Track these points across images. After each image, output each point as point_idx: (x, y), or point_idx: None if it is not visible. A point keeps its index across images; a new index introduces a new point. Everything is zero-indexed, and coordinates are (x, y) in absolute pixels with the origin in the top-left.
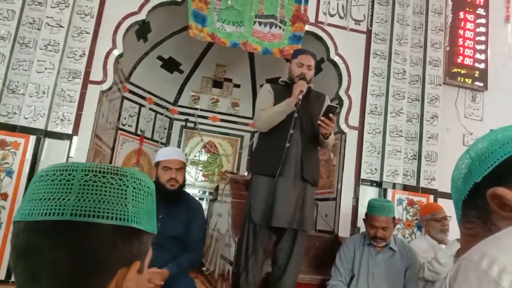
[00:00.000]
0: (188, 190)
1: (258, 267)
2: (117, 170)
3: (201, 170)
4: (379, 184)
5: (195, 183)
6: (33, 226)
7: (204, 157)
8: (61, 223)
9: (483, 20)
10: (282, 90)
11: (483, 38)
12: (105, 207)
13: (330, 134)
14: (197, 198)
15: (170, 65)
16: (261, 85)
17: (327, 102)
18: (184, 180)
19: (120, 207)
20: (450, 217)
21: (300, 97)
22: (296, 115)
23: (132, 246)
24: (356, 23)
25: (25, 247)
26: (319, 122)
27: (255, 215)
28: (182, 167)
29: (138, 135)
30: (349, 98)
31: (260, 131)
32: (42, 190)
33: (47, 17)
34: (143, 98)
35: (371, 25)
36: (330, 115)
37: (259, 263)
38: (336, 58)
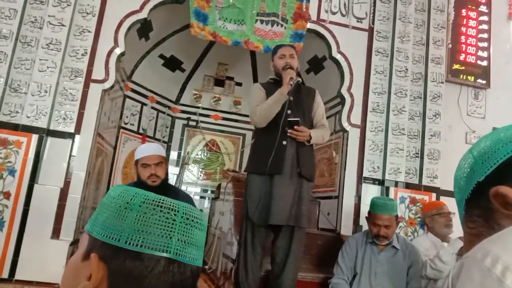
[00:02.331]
0: (190, 188)
1: (257, 265)
2: (201, 217)
3: (203, 169)
4: (381, 182)
5: (197, 181)
6: (139, 256)
7: (206, 155)
8: (164, 259)
9: (485, 18)
10: (272, 87)
11: (485, 35)
12: (193, 250)
13: (310, 138)
14: (198, 197)
15: (172, 63)
16: None
17: (318, 97)
18: (167, 174)
19: (200, 252)
20: (454, 213)
21: (292, 83)
22: (289, 111)
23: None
24: (358, 21)
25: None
26: (288, 134)
27: (252, 214)
28: (161, 161)
29: (140, 134)
30: (351, 96)
31: (258, 126)
32: (149, 223)
33: (49, 16)
34: (145, 96)
35: (373, 23)
36: (295, 127)
37: (258, 261)
38: (338, 56)
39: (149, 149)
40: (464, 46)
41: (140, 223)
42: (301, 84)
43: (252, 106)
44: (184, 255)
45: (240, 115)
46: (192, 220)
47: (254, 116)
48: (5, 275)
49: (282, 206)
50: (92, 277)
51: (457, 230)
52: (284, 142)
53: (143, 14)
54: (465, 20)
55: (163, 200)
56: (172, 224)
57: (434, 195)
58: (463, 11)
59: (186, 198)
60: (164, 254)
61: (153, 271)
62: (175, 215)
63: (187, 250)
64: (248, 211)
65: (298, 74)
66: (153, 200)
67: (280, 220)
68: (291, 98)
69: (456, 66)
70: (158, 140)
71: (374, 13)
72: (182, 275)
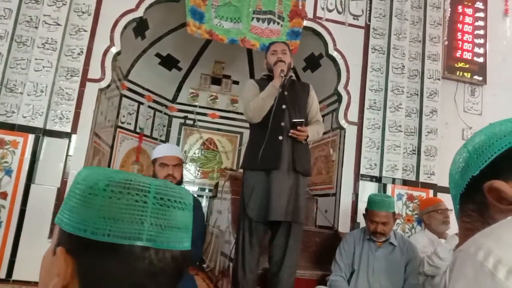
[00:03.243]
0: (188, 187)
1: (254, 263)
2: (181, 195)
3: (200, 167)
4: (378, 179)
5: (195, 180)
6: (108, 247)
7: (203, 154)
8: (137, 247)
9: (481, 14)
10: (266, 83)
11: (482, 32)
12: (173, 233)
13: (307, 137)
14: (195, 195)
15: (169, 62)
16: None
17: (312, 92)
18: (182, 176)
19: (185, 233)
20: (451, 210)
21: (283, 75)
22: (284, 106)
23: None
24: (354, 18)
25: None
26: (290, 134)
27: (251, 211)
28: (179, 163)
29: (137, 133)
30: (348, 93)
31: (253, 121)
32: (117, 209)
33: (44, 15)
34: (142, 95)
35: (369, 20)
36: (298, 127)
37: (255, 258)
38: (335, 54)
39: (169, 150)
40: (460, 42)
41: (106, 209)
42: (295, 79)
43: (245, 102)
44: (161, 240)
45: (237, 113)
46: (169, 200)
47: (248, 111)
48: (3, 275)
49: (281, 202)
50: (59, 273)
51: (454, 226)
52: (280, 137)
53: (139, 13)
54: (461, 16)
55: (131, 180)
56: (143, 207)
57: (431, 192)
58: (459, 7)
59: (194, 201)
60: (137, 243)
61: (126, 262)
62: (145, 196)
63: (164, 234)
64: (245, 208)
65: (294, 71)
66: (118, 182)
67: (279, 216)
68: (286, 93)
69: (452, 63)
70: (155, 139)
71: (370, 10)
72: (161, 262)
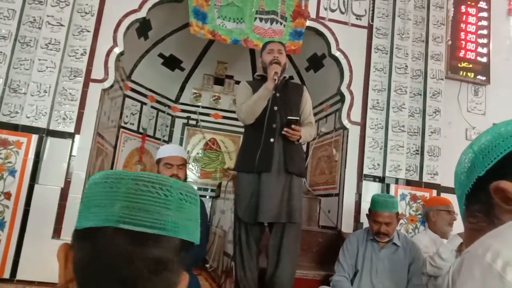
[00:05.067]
0: None
1: (254, 263)
2: (164, 181)
3: (203, 168)
4: (381, 179)
5: (198, 180)
6: (87, 233)
7: (206, 154)
8: (109, 229)
9: (485, 14)
10: (259, 84)
11: (485, 31)
12: (149, 217)
13: (300, 138)
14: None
15: (171, 62)
16: None
17: (306, 93)
18: (186, 177)
19: (168, 219)
20: (457, 214)
21: (276, 78)
22: (276, 108)
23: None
24: (357, 18)
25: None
26: (283, 132)
27: (241, 212)
28: (183, 164)
29: (140, 133)
30: (351, 93)
31: (245, 123)
32: (95, 197)
33: (48, 15)
34: (145, 96)
35: (372, 20)
36: (292, 126)
37: (254, 259)
38: (338, 54)
39: (174, 150)
40: (463, 42)
41: (89, 199)
42: (288, 80)
43: (238, 104)
44: (133, 222)
45: None
46: (145, 185)
47: (240, 113)
48: (7, 275)
49: (271, 203)
50: (59, 268)
51: (456, 227)
52: (272, 139)
53: (142, 13)
54: (464, 16)
55: (113, 172)
56: (116, 191)
57: (434, 192)
58: (463, 7)
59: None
60: (107, 224)
61: (101, 245)
62: (119, 183)
63: (136, 216)
64: (237, 209)
65: (297, 71)
66: (103, 175)
67: (269, 218)
68: (278, 95)
69: (455, 63)
70: (158, 139)
71: (373, 10)
72: (135, 246)
